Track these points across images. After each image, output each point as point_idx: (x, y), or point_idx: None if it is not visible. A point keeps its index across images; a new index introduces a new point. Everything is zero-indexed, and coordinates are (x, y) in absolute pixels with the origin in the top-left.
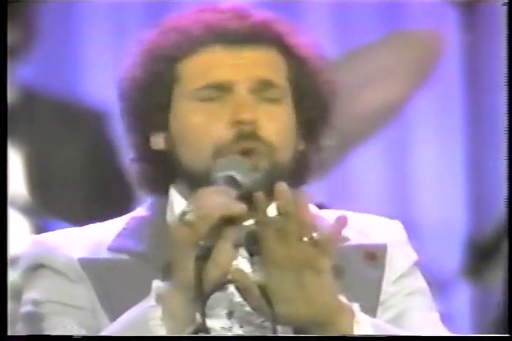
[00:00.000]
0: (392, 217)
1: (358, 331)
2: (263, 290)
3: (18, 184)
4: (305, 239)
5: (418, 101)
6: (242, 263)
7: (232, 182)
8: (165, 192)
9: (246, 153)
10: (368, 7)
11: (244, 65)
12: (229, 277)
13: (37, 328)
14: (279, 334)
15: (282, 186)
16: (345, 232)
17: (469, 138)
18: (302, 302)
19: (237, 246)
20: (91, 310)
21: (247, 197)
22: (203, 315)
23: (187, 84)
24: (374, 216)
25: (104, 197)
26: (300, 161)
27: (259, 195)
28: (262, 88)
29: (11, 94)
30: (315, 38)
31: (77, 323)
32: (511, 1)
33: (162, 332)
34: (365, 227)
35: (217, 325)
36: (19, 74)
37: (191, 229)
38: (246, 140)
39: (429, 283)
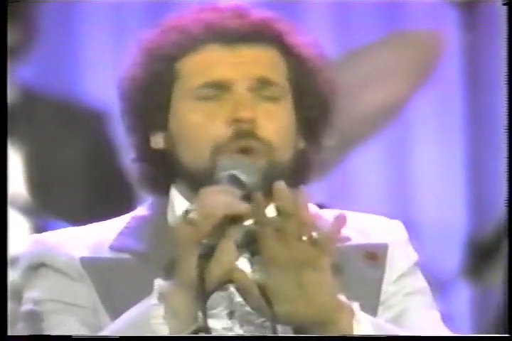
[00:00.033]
0: (392, 217)
1: (358, 330)
2: (262, 289)
3: (18, 184)
4: (304, 238)
5: (418, 101)
6: (243, 263)
7: (235, 181)
8: (166, 192)
9: (244, 151)
10: (367, 7)
11: (243, 64)
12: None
13: (38, 327)
14: (280, 334)
15: (281, 185)
16: (345, 232)
17: (469, 138)
18: (302, 302)
19: (237, 246)
20: (92, 309)
21: (250, 197)
22: (205, 314)
23: (186, 83)
24: (374, 216)
25: (104, 197)
26: (300, 161)
27: (258, 195)
28: (261, 86)
29: (11, 94)
30: (315, 37)
31: (78, 322)
32: (511, 1)
33: (164, 330)
34: (365, 227)
35: (218, 324)
36: (19, 74)
37: (195, 227)
38: (244, 138)
39: (429, 283)
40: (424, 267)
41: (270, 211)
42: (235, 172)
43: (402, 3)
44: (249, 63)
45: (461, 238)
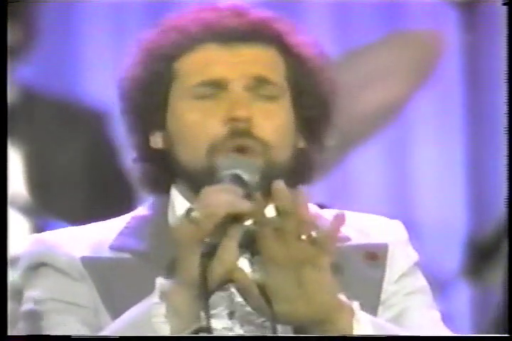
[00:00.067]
0: (392, 217)
1: (358, 329)
2: (262, 289)
3: (18, 184)
4: (303, 237)
5: (418, 101)
6: (243, 263)
7: (237, 180)
8: (166, 192)
9: (240, 150)
10: (367, 7)
11: (240, 63)
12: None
13: (38, 327)
14: (280, 334)
15: (280, 185)
16: (345, 232)
17: (469, 138)
18: (301, 301)
19: (238, 246)
20: (93, 309)
21: (251, 196)
22: (208, 312)
23: (184, 82)
24: (375, 216)
25: (104, 197)
26: (300, 160)
27: (257, 195)
28: (258, 85)
29: (11, 94)
30: (315, 37)
31: (79, 321)
32: (511, 1)
33: (165, 329)
34: (365, 227)
35: (218, 324)
36: (19, 74)
37: (197, 226)
38: (240, 137)
39: (429, 283)
40: (424, 267)
41: (270, 211)
42: (238, 171)
43: (402, 3)
44: (246, 62)
45: (461, 238)
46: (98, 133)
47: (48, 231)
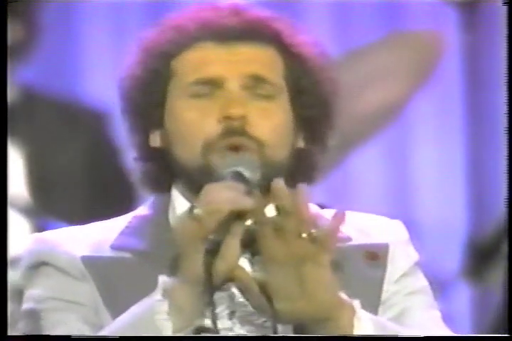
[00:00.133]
0: (392, 217)
1: (359, 328)
2: (263, 287)
3: (18, 184)
4: (304, 235)
5: (418, 102)
6: (243, 263)
7: (239, 177)
8: (167, 191)
9: (234, 148)
10: (368, 7)
11: (237, 61)
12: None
13: (39, 325)
14: (280, 335)
15: (279, 183)
16: (346, 232)
17: (469, 138)
18: (302, 299)
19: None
20: (94, 308)
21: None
22: (214, 309)
23: (181, 80)
24: (375, 215)
25: (104, 197)
26: (299, 160)
27: (257, 194)
28: (254, 84)
29: (11, 94)
30: (315, 36)
31: (79, 320)
32: (511, 1)
33: (168, 326)
34: (366, 227)
35: (218, 325)
36: (19, 74)
37: (200, 223)
38: (234, 135)
39: (429, 283)
40: (424, 267)
41: (270, 210)
42: (239, 168)
43: (402, 4)
44: (243, 61)
45: (461, 238)
46: (98, 133)
47: (48, 231)
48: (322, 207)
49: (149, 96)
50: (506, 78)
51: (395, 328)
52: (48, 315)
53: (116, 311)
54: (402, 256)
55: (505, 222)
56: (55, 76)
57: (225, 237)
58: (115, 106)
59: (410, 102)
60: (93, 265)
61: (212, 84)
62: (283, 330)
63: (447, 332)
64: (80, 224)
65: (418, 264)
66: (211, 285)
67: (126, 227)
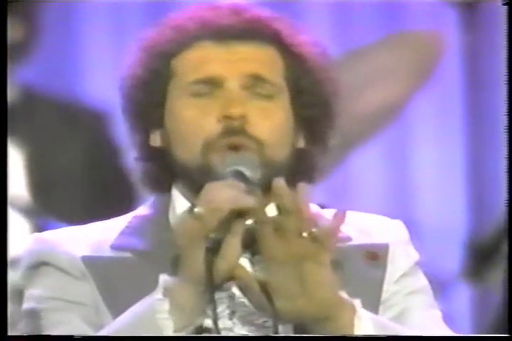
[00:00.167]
0: (392, 217)
1: (359, 327)
2: (263, 286)
3: (18, 184)
4: (304, 234)
5: (418, 102)
6: (243, 263)
7: (240, 176)
8: (167, 190)
9: (234, 148)
10: (368, 7)
11: (236, 61)
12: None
13: (40, 325)
14: (281, 335)
15: (280, 182)
16: (346, 232)
17: (469, 138)
18: (303, 298)
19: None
20: (94, 307)
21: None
22: (215, 308)
23: (181, 80)
24: (376, 215)
25: (104, 197)
26: (299, 160)
27: (257, 193)
28: (254, 84)
29: (11, 94)
30: (315, 36)
31: (80, 319)
32: (511, 1)
33: (169, 325)
34: (366, 227)
35: (218, 325)
36: (19, 74)
37: (201, 222)
38: (234, 135)
39: (429, 283)
40: (424, 267)
41: (271, 210)
42: (240, 167)
43: (402, 4)
44: (243, 60)
45: (461, 238)
46: (98, 133)
47: (48, 231)
48: (322, 207)
49: (150, 95)
50: (506, 78)
51: (395, 328)
52: (48, 314)
53: (116, 311)
54: (403, 256)
55: (505, 222)
56: (55, 76)
57: (225, 236)
58: (115, 106)
59: (410, 102)
60: (93, 265)
61: (212, 84)
62: (283, 330)
63: (447, 332)
64: (80, 224)
65: (418, 264)
66: (212, 284)
67: (127, 227)
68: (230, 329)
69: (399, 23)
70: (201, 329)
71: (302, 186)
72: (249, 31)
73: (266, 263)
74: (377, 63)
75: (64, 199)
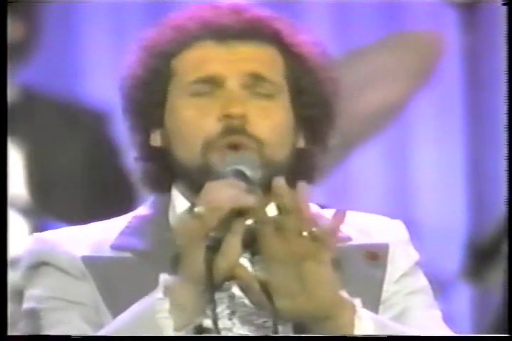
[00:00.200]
0: (392, 217)
1: (359, 326)
2: (264, 285)
3: (18, 184)
4: (304, 233)
5: (418, 102)
6: (243, 263)
7: (240, 176)
8: (167, 190)
9: (233, 147)
10: (368, 7)
11: (237, 60)
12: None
13: (40, 325)
14: (280, 335)
15: (280, 182)
16: (346, 232)
17: (469, 138)
18: (303, 297)
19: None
20: (94, 307)
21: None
22: (215, 307)
23: (181, 79)
24: (376, 215)
25: (104, 198)
26: (299, 160)
27: (258, 192)
28: (254, 83)
29: (11, 94)
30: (316, 36)
31: (80, 320)
32: (511, 1)
33: (169, 324)
34: (366, 227)
35: (218, 324)
36: (19, 74)
37: (201, 221)
38: (234, 134)
39: (429, 283)
40: (424, 267)
41: (271, 210)
42: (240, 167)
43: (402, 4)
44: (243, 60)
45: (462, 238)
46: (98, 133)
47: (48, 231)
48: (322, 207)
49: (150, 95)
50: (506, 78)
51: (395, 327)
52: (48, 314)
53: (116, 311)
54: (403, 256)
55: (505, 221)
56: (55, 76)
57: (226, 235)
58: (115, 106)
59: (410, 102)
60: (93, 265)
61: (213, 83)
62: (283, 330)
63: (447, 332)
64: (80, 224)
65: (418, 264)
66: (212, 283)
67: (127, 227)
68: (230, 330)
69: (399, 23)
70: (201, 329)
71: (302, 186)
72: (249, 31)
73: (266, 262)
74: (377, 63)
75: (64, 200)
